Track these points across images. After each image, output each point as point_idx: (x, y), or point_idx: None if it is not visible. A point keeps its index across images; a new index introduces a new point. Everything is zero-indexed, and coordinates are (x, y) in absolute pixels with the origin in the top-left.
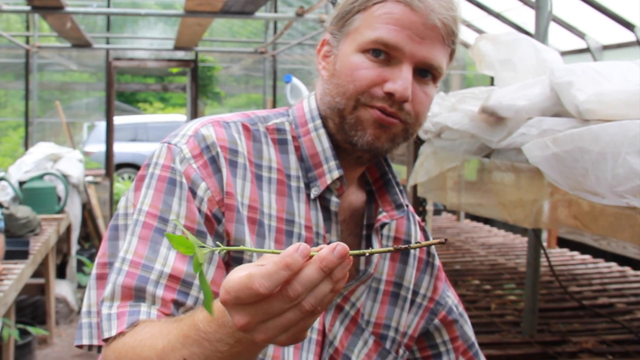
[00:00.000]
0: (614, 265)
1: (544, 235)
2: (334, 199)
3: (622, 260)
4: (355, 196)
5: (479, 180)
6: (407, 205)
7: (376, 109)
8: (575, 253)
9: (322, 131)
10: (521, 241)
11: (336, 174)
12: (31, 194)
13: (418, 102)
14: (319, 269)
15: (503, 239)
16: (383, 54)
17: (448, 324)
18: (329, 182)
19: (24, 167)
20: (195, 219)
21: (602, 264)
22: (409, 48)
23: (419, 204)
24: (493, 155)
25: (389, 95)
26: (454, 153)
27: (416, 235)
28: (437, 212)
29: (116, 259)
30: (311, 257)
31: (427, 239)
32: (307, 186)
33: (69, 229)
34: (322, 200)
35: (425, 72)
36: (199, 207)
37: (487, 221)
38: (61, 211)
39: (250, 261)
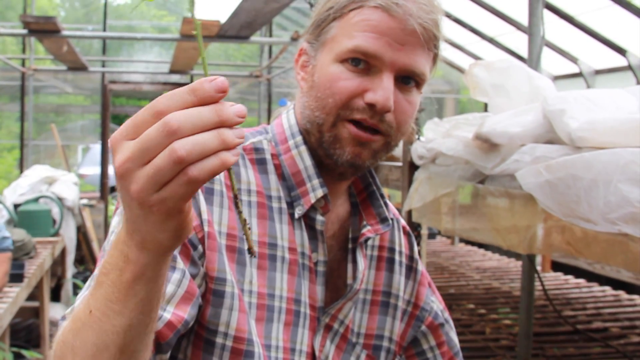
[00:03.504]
0: (608, 289)
1: (538, 259)
2: (319, 217)
3: (616, 284)
4: (343, 208)
5: (473, 205)
6: (391, 219)
7: (356, 121)
8: (569, 277)
9: (303, 148)
10: (515, 265)
11: (320, 192)
12: (26, 216)
13: (400, 112)
14: (213, 109)
15: (497, 263)
16: (362, 62)
17: (434, 329)
18: (312, 201)
19: (19, 189)
20: None
21: (596, 288)
22: (389, 56)
23: (414, 229)
24: (487, 181)
25: (370, 106)
26: (448, 179)
27: (400, 241)
28: (431, 235)
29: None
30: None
31: (411, 244)
32: (291, 205)
33: (63, 252)
34: (307, 219)
35: (407, 79)
36: None
37: (481, 245)
38: (56, 234)
39: (233, 293)
